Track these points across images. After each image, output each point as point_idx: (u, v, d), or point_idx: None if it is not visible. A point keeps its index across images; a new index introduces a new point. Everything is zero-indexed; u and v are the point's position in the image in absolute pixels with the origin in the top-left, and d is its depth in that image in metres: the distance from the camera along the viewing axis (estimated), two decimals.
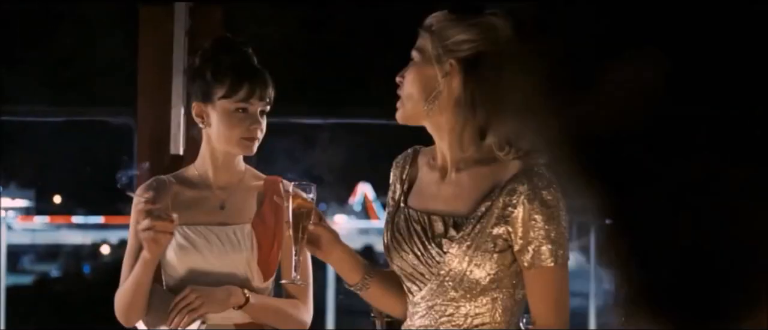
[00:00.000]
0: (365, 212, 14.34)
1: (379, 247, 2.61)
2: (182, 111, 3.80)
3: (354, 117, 4.16)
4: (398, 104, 2.46)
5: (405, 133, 2.82)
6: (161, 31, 3.85)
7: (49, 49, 4.02)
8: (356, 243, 13.51)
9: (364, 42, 4.07)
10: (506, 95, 2.41)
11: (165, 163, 3.82)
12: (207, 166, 3.00)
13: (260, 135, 2.97)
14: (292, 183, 2.50)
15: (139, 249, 2.90)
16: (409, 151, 2.59)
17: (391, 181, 2.59)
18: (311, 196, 2.50)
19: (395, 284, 2.54)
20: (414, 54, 2.45)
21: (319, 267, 3.04)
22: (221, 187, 3.00)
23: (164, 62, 3.84)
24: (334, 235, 2.52)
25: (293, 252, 2.51)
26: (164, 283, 2.98)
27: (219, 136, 2.96)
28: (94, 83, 4.07)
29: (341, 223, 13.82)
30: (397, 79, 2.46)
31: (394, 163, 2.60)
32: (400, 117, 2.47)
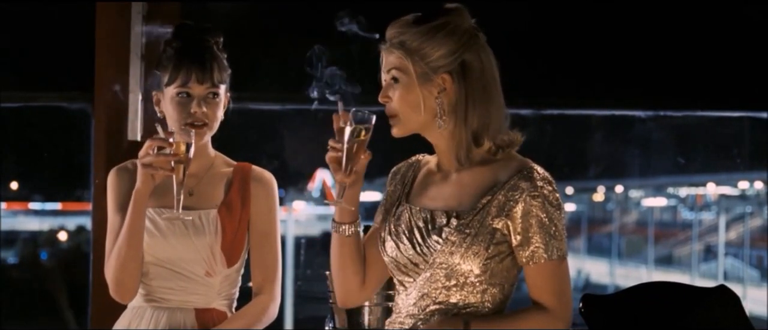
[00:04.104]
0: (324, 198, 14.29)
1: None
2: (140, 97, 3.80)
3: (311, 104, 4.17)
4: (392, 121, 2.50)
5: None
6: (119, 16, 3.84)
7: (4, 34, 3.99)
8: (315, 229, 13.50)
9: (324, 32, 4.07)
10: (492, 90, 2.47)
11: (123, 150, 3.81)
12: None
13: (208, 119, 2.95)
14: (353, 109, 2.47)
15: (121, 225, 2.91)
16: (411, 159, 2.65)
17: (389, 183, 2.64)
18: (368, 125, 2.47)
19: (364, 257, 2.59)
20: (396, 74, 2.48)
21: None
22: (191, 175, 3.01)
23: (122, 47, 3.83)
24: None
25: (343, 176, 2.46)
26: None
27: (171, 124, 2.97)
28: (51, 68, 4.04)
29: (300, 209, 13.82)
30: (382, 99, 2.51)
31: (394, 169, 2.66)
32: (398, 133, 2.51)
